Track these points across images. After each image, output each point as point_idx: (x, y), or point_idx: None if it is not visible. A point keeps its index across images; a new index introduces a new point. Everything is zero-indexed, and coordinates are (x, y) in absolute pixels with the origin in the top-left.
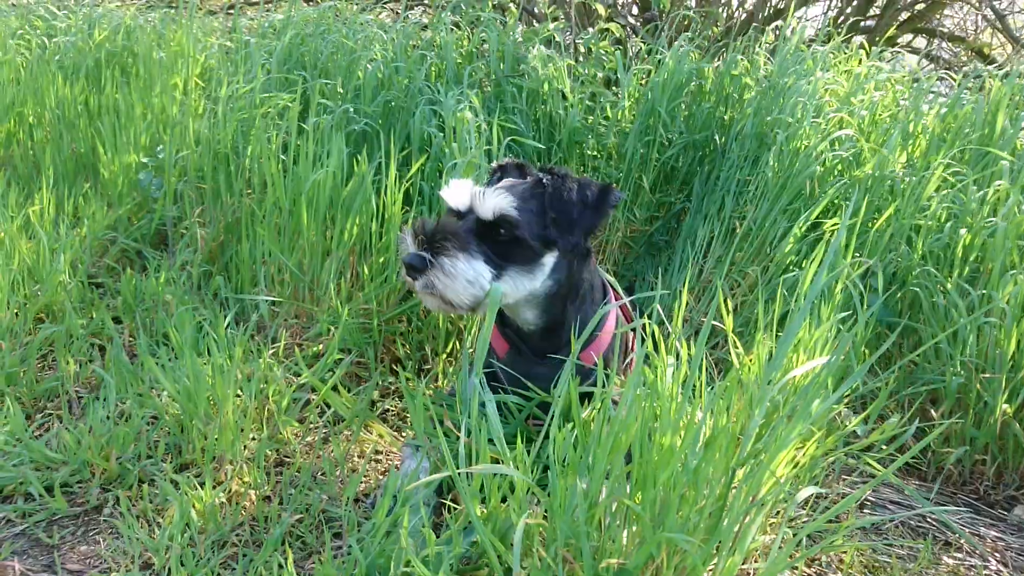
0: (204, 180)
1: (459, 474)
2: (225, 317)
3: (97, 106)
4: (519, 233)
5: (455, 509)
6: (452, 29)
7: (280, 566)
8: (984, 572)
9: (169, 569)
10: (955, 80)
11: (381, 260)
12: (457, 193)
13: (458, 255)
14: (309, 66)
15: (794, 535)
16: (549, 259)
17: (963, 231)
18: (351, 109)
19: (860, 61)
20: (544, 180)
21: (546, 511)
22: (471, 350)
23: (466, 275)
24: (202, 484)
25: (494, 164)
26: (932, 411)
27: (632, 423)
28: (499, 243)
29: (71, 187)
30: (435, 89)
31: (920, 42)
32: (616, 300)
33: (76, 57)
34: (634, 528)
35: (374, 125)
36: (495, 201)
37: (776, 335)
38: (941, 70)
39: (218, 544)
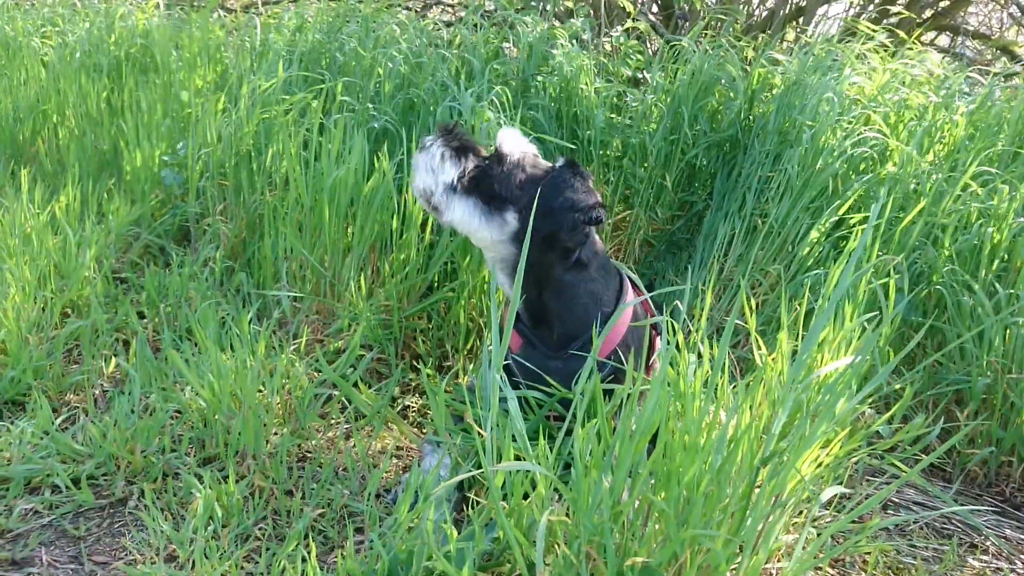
0: (226, 177)
1: (483, 471)
2: (248, 313)
3: (120, 104)
4: (495, 172)
5: (477, 504)
6: (475, 27)
7: (303, 560)
8: (1012, 575)
9: (193, 562)
10: (982, 79)
11: (402, 257)
12: (510, 140)
13: (443, 147)
14: (329, 64)
15: (818, 535)
16: (511, 218)
17: (991, 230)
18: (371, 107)
19: (884, 58)
20: (557, 165)
21: (568, 508)
22: (490, 346)
23: (431, 161)
24: (225, 478)
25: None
26: (957, 412)
27: (656, 421)
28: (486, 175)
29: (95, 183)
30: (458, 86)
31: (944, 40)
32: (636, 296)
33: (97, 56)
34: (657, 526)
35: (395, 123)
36: (513, 139)
37: (799, 334)
38: (967, 69)
39: (241, 537)
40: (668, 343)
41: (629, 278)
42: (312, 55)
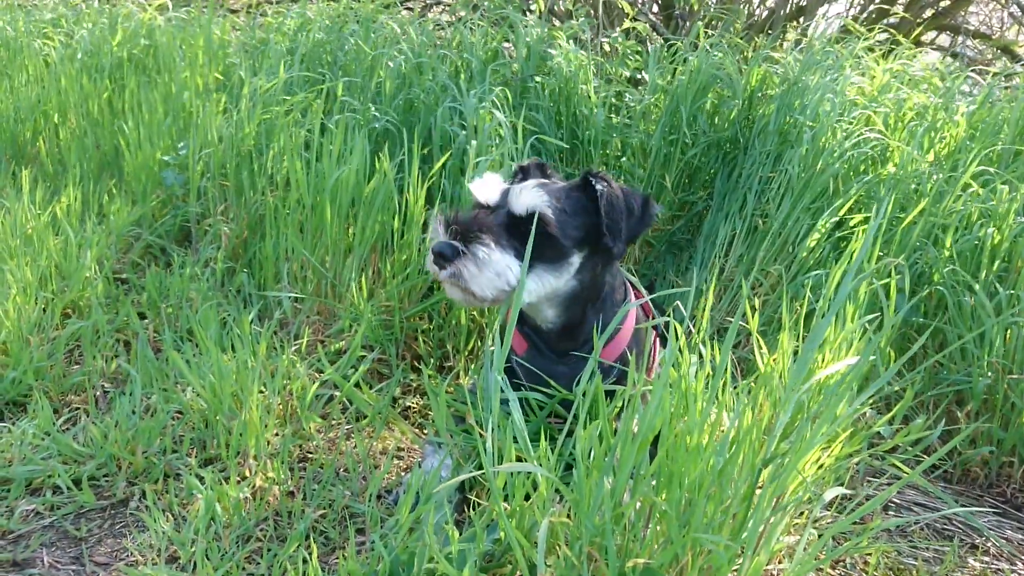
0: (227, 177)
1: (484, 472)
2: (249, 313)
3: (121, 104)
4: (551, 231)
5: (478, 506)
6: (472, 28)
7: (304, 561)
8: (1012, 575)
9: (195, 563)
10: (982, 79)
11: (403, 258)
12: (488, 187)
13: (491, 246)
14: (330, 64)
15: (819, 536)
16: (576, 259)
17: (992, 230)
18: (372, 107)
19: (883, 58)
20: (595, 185)
21: (570, 509)
22: (492, 347)
23: (496, 267)
24: (227, 479)
25: (516, 165)
26: (958, 412)
27: (659, 423)
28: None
29: (96, 184)
30: (458, 87)
31: (944, 40)
32: (637, 298)
33: (99, 57)
34: (659, 527)
35: (396, 123)
36: (530, 197)
37: (800, 335)
38: (967, 68)
39: (243, 538)
40: (670, 344)
41: (628, 280)
42: (313, 55)
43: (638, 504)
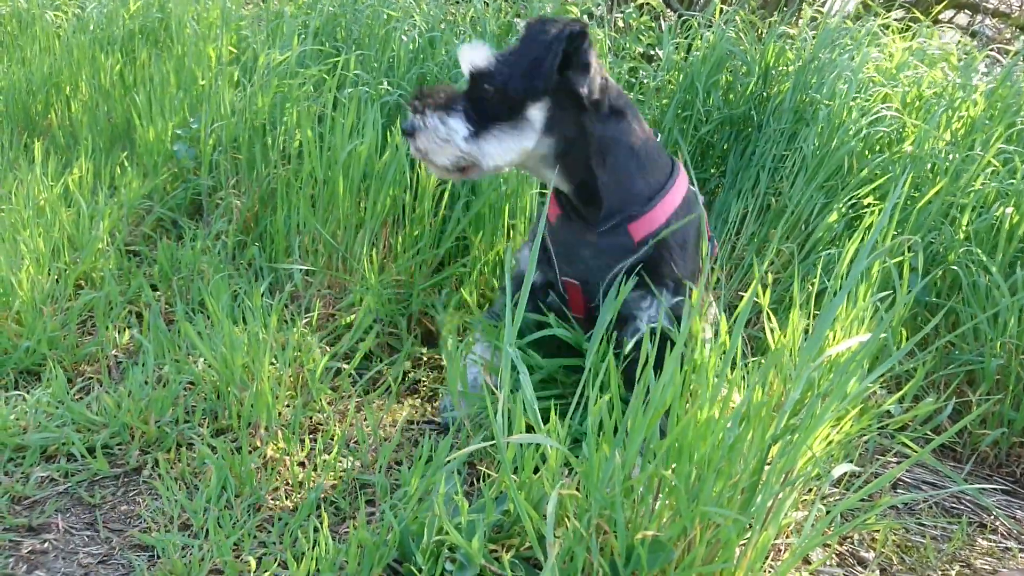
0: (239, 151)
1: (494, 443)
2: (260, 286)
3: (132, 77)
4: (493, 83)
5: (488, 477)
6: (486, 2)
7: (315, 530)
8: (1021, 554)
9: (207, 530)
10: (1001, 58)
11: (415, 232)
12: (471, 55)
13: (441, 113)
14: (344, 38)
15: (827, 512)
16: (536, 113)
17: (1010, 210)
18: (385, 82)
19: (896, 37)
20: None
21: (579, 481)
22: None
23: (441, 133)
24: (238, 449)
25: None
26: (969, 392)
27: (670, 398)
28: (482, 100)
29: (108, 156)
30: None
31: (962, 19)
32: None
33: (110, 28)
34: (668, 501)
35: (408, 97)
36: (472, 53)
37: (811, 313)
38: (986, 48)
39: (254, 507)
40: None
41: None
42: (327, 27)
43: (647, 478)
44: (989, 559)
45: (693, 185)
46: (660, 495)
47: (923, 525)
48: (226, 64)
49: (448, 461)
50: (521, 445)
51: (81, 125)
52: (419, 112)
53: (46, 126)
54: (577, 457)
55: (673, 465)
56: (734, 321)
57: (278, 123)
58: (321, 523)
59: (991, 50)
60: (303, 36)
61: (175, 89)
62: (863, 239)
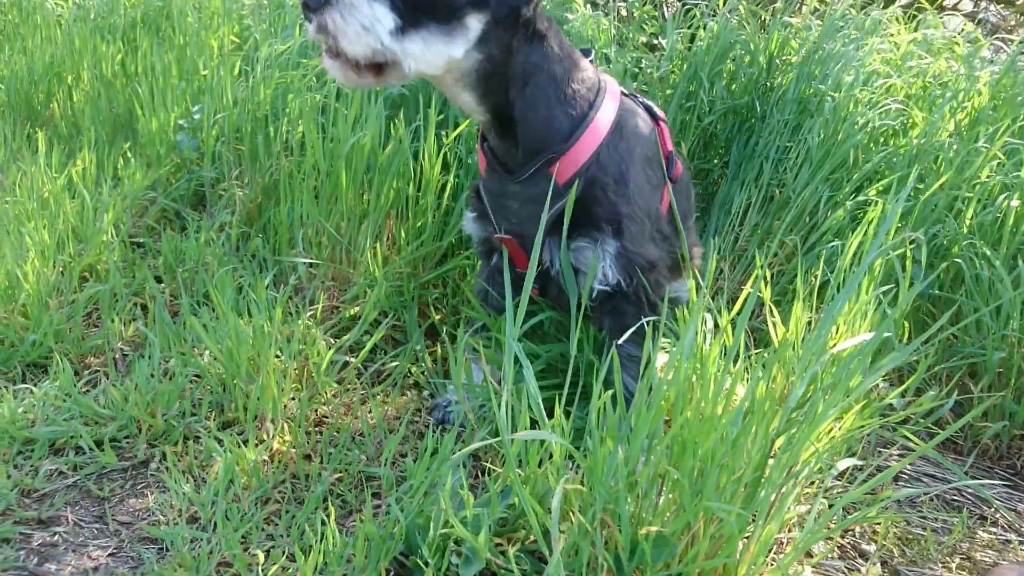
0: (242, 142)
1: (499, 440)
2: (264, 279)
3: (134, 67)
4: None
5: (492, 472)
6: None
7: (322, 523)
8: (1021, 547)
9: (215, 523)
10: (1006, 47)
11: (418, 224)
12: None
13: None
14: None
15: (829, 506)
16: (474, 22)
17: (1016, 203)
18: None
19: (905, 23)
20: None
21: (583, 476)
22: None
23: (363, 16)
24: (245, 442)
25: None
26: (971, 384)
27: (672, 394)
28: None
29: (110, 147)
30: None
31: (967, 5)
32: (634, 112)
33: (111, 17)
34: (671, 495)
35: (411, 87)
36: None
37: (813, 306)
38: (991, 36)
39: (261, 500)
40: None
41: (638, 100)
42: None
43: (651, 473)
44: (989, 551)
45: (637, 102)
46: (663, 490)
47: (924, 517)
48: (228, 54)
49: (453, 455)
50: (526, 440)
51: (83, 115)
52: None
53: (48, 116)
54: (579, 449)
55: (676, 461)
56: (737, 313)
57: (280, 114)
58: (328, 516)
59: (996, 38)
60: (304, 25)
61: (177, 79)
62: (867, 232)
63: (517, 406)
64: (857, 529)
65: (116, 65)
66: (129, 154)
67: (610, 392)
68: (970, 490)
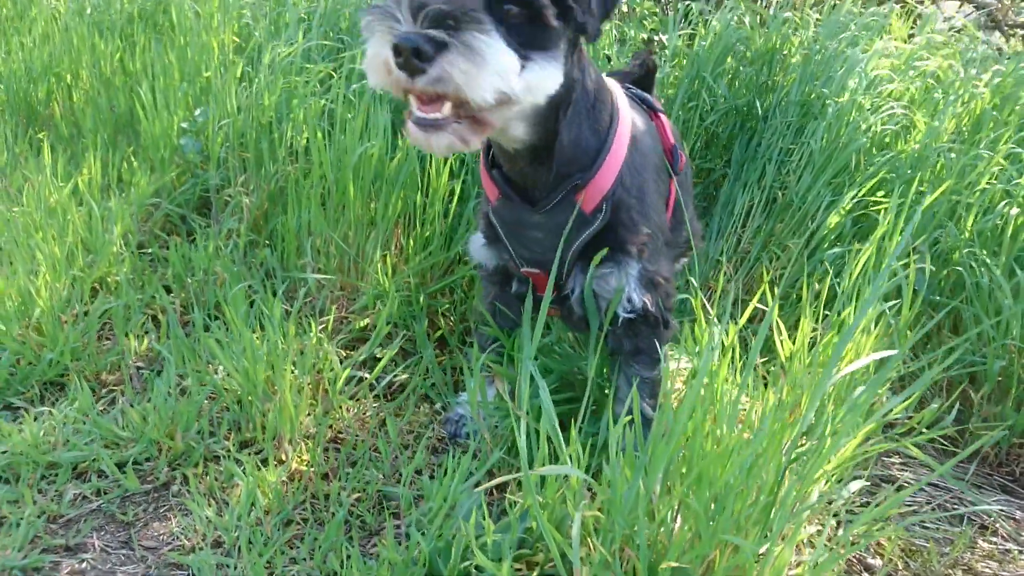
0: (246, 148)
1: (519, 475)
2: (276, 294)
3: (133, 65)
4: (541, 2)
5: (507, 486)
6: None
7: (346, 551)
8: (1020, 557)
9: (239, 548)
10: (1002, 46)
11: (426, 234)
12: None
13: (487, 30)
14: (347, 29)
15: (837, 523)
16: (564, 45)
17: (1015, 211)
18: None
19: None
20: None
21: (601, 504)
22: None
23: (498, 63)
24: (263, 461)
25: None
26: (971, 391)
27: (690, 426)
28: (513, 25)
29: (113, 149)
30: None
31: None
32: (638, 117)
33: (108, 12)
34: (687, 526)
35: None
36: None
37: (817, 313)
38: (988, 22)
39: (283, 523)
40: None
41: (637, 95)
42: (331, 17)
43: (669, 502)
44: (990, 562)
45: (632, 95)
46: (680, 517)
47: (926, 527)
48: (230, 55)
49: (475, 485)
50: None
51: (84, 116)
52: (439, 24)
53: (48, 115)
54: (593, 464)
55: (692, 487)
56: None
57: (284, 120)
58: (352, 543)
59: (990, 23)
60: (304, 23)
61: (179, 80)
62: (873, 251)
63: (533, 424)
64: (863, 542)
65: (115, 63)
66: (132, 158)
67: (627, 418)
68: (971, 498)
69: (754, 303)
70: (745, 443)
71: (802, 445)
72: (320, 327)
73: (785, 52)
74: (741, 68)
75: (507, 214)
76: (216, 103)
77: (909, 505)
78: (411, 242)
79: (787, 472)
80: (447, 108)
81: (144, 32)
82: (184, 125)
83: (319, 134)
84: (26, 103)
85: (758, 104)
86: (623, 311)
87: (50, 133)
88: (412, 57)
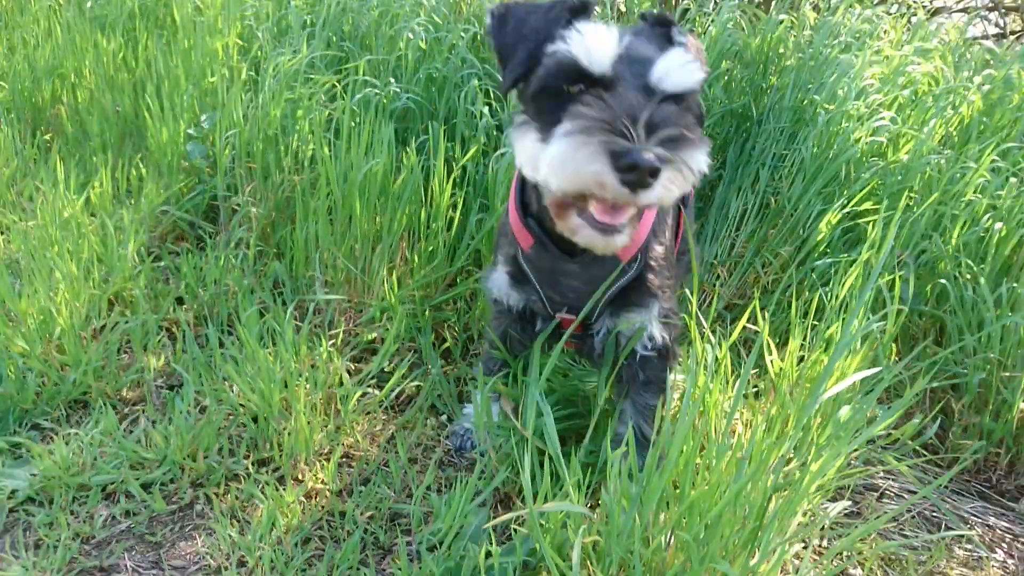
0: (253, 158)
1: (524, 512)
2: (285, 310)
3: (135, 62)
4: (695, 106)
5: (510, 499)
6: None
7: (364, 573)
8: (992, 564)
9: (262, 567)
10: (995, 46)
11: (430, 248)
12: (598, 46)
13: (695, 143)
14: (350, 35)
15: (821, 537)
16: None
17: (999, 225)
18: (393, 82)
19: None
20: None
21: (599, 532)
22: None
23: (694, 164)
24: (281, 479)
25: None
26: (952, 401)
27: (682, 462)
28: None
29: (120, 153)
30: (481, 59)
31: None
32: None
33: (108, 7)
34: (680, 555)
35: (418, 99)
36: (670, 65)
37: (806, 324)
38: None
39: (302, 541)
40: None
41: None
42: (334, 23)
43: (662, 532)
44: (964, 570)
45: None
46: (672, 543)
47: (904, 535)
48: (235, 60)
49: (482, 505)
50: (547, 487)
51: (90, 118)
52: (663, 142)
53: (54, 116)
54: (593, 483)
55: (684, 517)
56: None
57: (290, 131)
58: (367, 561)
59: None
60: (307, 28)
61: (184, 83)
62: (863, 268)
63: (537, 445)
64: (843, 554)
65: (118, 61)
66: (140, 165)
67: (623, 448)
68: (949, 504)
69: (743, 322)
70: (735, 464)
71: (790, 461)
72: (330, 342)
73: (781, 51)
74: (737, 71)
75: (542, 262)
76: (222, 113)
77: (888, 512)
78: (416, 256)
79: (774, 497)
80: (631, 213)
81: (146, 28)
82: (191, 131)
83: (325, 149)
84: (31, 104)
85: (753, 107)
86: (643, 349)
87: (57, 137)
88: (648, 176)
